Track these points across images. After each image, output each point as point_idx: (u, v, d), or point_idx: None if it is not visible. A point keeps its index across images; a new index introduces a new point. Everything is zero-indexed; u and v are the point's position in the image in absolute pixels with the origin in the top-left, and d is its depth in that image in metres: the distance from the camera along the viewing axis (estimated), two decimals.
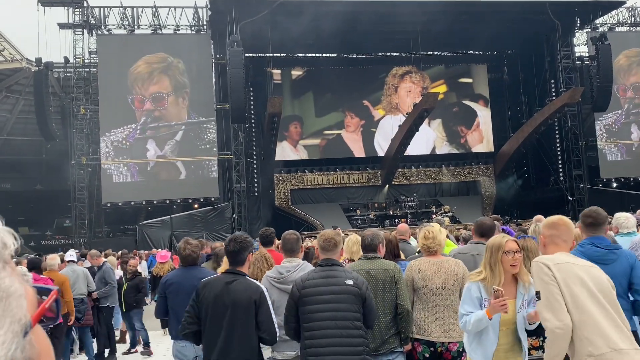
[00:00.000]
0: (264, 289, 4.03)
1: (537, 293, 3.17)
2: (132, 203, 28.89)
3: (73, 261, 9.52)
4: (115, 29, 30.23)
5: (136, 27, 30.12)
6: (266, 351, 4.53)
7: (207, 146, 29.77)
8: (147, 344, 10.03)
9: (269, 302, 3.98)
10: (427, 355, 4.75)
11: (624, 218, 6.10)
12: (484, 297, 3.77)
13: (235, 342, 3.90)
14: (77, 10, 29.47)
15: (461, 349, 4.74)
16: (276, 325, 3.96)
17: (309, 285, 4.10)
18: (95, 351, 9.79)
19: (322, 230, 4.51)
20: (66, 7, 29.38)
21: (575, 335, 3.00)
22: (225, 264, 4.95)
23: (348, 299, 4.07)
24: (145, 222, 27.91)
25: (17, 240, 0.63)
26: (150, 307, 16.04)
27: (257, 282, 4.13)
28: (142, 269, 16.71)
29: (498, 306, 3.57)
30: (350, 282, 4.09)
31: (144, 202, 29.19)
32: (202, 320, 4.03)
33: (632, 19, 34.57)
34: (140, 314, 10.11)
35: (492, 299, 3.62)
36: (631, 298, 4.13)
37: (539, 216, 8.55)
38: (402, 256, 5.97)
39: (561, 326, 2.99)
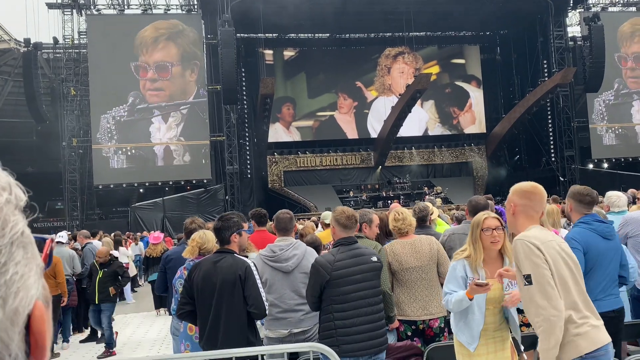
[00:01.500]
0: (251, 264, 4.04)
1: (528, 277, 2.88)
2: (124, 185, 28.79)
3: (61, 242, 9.80)
4: (104, 9, 29.86)
5: (126, 7, 29.75)
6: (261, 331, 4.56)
7: (204, 126, 29.55)
8: (109, 345, 8.88)
9: (256, 277, 3.99)
10: (409, 333, 4.83)
11: (615, 197, 6.16)
12: (469, 276, 3.76)
13: (223, 318, 3.94)
14: None
15: (442, 325, 4.82)
16: (264, 299, 3.96)
17: (340, 267, 4.08)
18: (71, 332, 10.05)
19: (338, 207, 4.45)
20: None
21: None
22: (189, 246, 4.96)
23: (375, 276, 4.16)
24: (137, 204, 27.84)
25: (25, 194, 0.68)
26: (143, 289, 16.15)
27: (244, 258, 4.12)
28: (139, 250, 16.78)
29: (478, 289, 3.53)
30: (375, 258, 4.16)
31: (135, 184, 29.10)
32: (195, 300, 4.06)
33: None
34: (112, 310, 9.00)
35: (473, 281, 3.60)
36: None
37: None
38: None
39: (558, 314, 2.78)
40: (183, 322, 4.80)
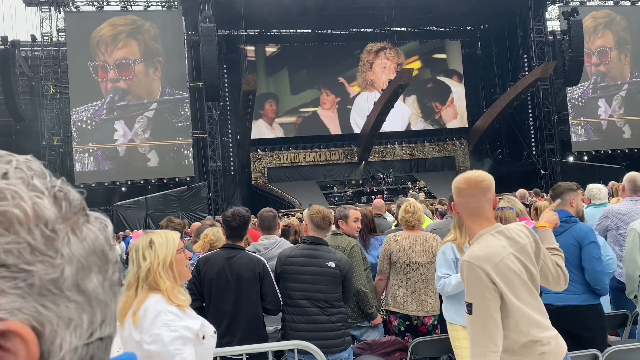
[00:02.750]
0: (265, 262, 4.06)
1: (469, 306, 2.51)
2: (106, 184, 28.51)
3: None
4: (83, 5, 29.45)
5: (105, 3, 29.38)
6: None
7: (186, 123, 29.25)
8: None
9: (271, 274, 4.01)
10: (402, 328, 4.85)
11: (596, 190, 6.23)
12: (458, 258, 3.85)
13: (242, 314, 3.94)
14: None
15: (435, 322, 4.84)
16: (280, 296, 4.00)
17: (291, 263, 4.12)
18: None
19: (313, 206, 4.44)
20: None
21: (522, 334, 2.56)
22: (201, 240, 4.95)
23: (327, 281, 4.08)
24: (119, 203, 27.57)
25: None
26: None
27: (258, 255, 4.13)
28: (121, 249, 16.63)
29: None
30: (332, 264, 4.09)
31: (117, 183, 28.84)
32: (206, 296, 4.02)
33: None
34: None
35: None
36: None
37: (522, 190, 8.71)
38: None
39: (496, 350, 2.48)
40: None
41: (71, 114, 28.19)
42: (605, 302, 4.77)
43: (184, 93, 29.30)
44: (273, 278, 4.02)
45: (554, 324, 4.15)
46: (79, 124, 28.12)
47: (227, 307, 3.95)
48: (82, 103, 28.14)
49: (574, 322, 4.14)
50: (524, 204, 6.43)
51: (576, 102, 33.21)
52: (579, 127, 33.25)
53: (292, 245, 4.89)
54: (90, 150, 28.27)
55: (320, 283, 4.06)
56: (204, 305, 4.06)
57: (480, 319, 2.49)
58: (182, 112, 29.27)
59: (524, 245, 2.64)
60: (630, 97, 33.82)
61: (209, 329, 2.51)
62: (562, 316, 4.13)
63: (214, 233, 5.02)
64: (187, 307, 2.53)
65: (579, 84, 32.15)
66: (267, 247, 4.76)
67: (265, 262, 4.08)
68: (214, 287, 3.97)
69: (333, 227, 5.42)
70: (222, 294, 3.97)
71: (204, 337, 2.46)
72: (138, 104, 28.69)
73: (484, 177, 2.69)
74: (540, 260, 2.71)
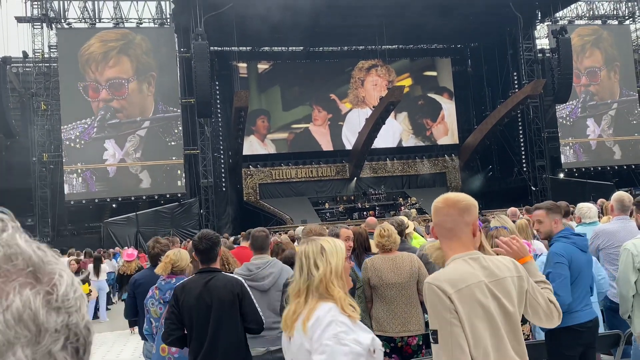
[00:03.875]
0: (243, 281, 4.02)
1: (434, 333, 2.28)
2: (96, 200, 28.33)
3: None
4: (75, 22, 29.49)
5: (97, 20, 29.44)
6: None
7: (178, 142, 29.13)
8: None
9: (250, 293, 3.98)
10: (387, 350, 4.83)
11: (586, 208, 6.27)
12: None
13: (222, 337, 3.89)
14: (36, 3, 28.64)
15: (420, 342, 4.83)
16: (261, 314, 3.95)
17: None
18: None
19: (307, 225, 4.45)
20: (24, 0, 28.55)
21: None
22: (162, 262, 4.86)
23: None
24: (110, 219, 27.36)
25: None
26: (116, 307, 15.86)
27: (234, 276, 4.10)
28: (112, 267, 16.46)
29: None
30: None
31: (108, 200, 28.66)
32: (187, 324, 3.95)
33: (590, 12, 35.39)
34: None
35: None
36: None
37: (512, 209, 8.71)
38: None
39: None
40: (156, 343, 4.70)
41: (61, 132, 28.06)
42: (600, 323, 4.81)
43: (177, 110, 29.28)
44: (252, 297, 3.98)
45: (584, 340, 4.12)
46: (67, 142, 27.90)
47: (205, 331, 3.90)
48: (72, 120, 28.01)
49: (597, 332, 4.24)
50: (514, 221, 6.45)
51: (564, 122, 33.46)
52: (567, 147, 33.45)
53: (285, 266, 4.85)
54: (79, 171, 27.99)
55: None
56: (186, 333, 4.00)
57: (447, 347, 2.22)
58: (175, 131, 29.22)
59: (502, 278, 2.36)
60: (620, 116, 34.10)
61: (378, 342, 2.46)
62: (595, 328, 4.21)
63: (175, 254, 4.92)
64: (358, 318, 2.45)
65: (567, 103, 32.43)
66: (259, 267, 4.73)
67: (243, 281, 4.04)
68: (194, 314, 3.91)
69: None
70: (202, 320, 3.91)
71: (374, 351, 2.39)
72: (130, 122, 28.59)
73: (464, 197, 2.49)
74: (525, 298, 2.44)
